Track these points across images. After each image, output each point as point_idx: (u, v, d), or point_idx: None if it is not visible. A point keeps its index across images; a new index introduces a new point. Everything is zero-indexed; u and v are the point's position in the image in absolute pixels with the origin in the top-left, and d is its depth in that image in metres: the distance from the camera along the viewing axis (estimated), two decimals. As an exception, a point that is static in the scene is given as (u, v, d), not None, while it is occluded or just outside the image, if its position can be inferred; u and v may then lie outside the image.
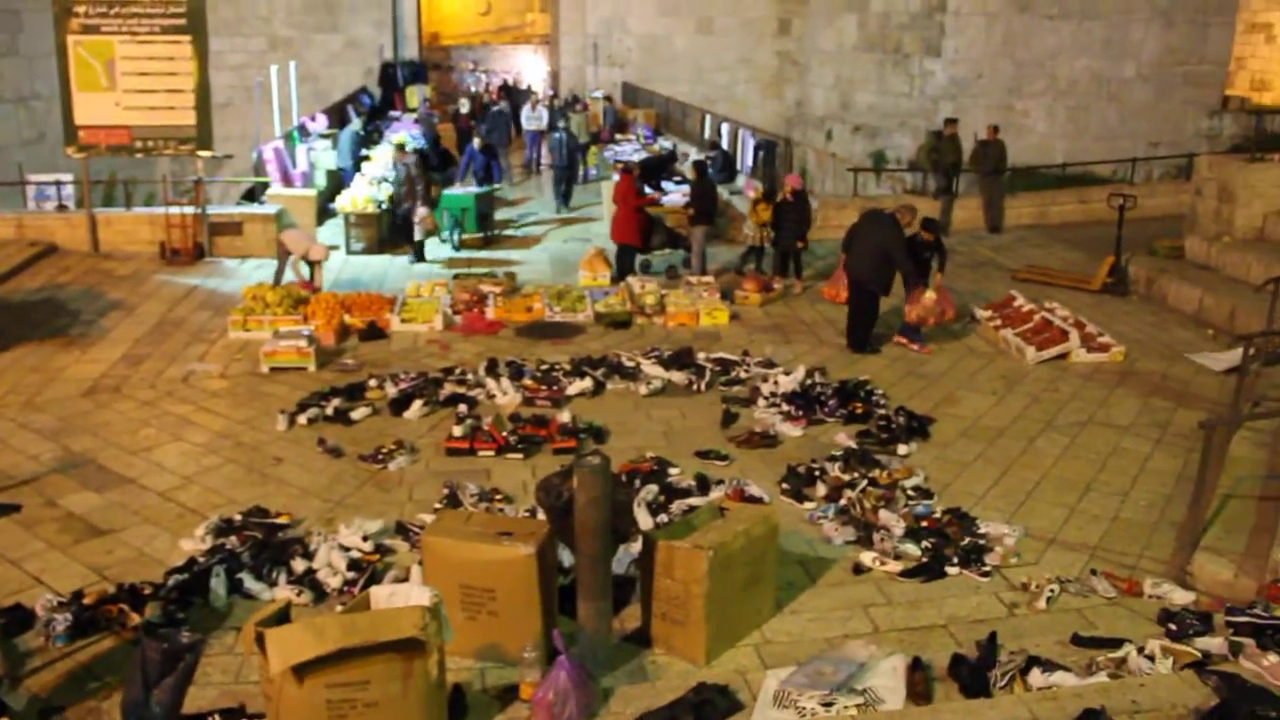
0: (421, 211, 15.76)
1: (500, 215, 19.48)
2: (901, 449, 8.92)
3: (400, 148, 17.66)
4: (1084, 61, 23.70)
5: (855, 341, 11.78)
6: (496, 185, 19.37)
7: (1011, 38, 23.34)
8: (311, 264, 13.71)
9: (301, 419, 9.54)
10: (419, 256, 15.97)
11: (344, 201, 17.05)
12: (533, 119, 25.14)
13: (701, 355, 11.20)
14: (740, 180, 18.86)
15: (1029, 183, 20.23)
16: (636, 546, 6.47)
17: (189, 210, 15.78)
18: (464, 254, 16.57)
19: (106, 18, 14.96)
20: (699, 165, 15.84)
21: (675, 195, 17.27)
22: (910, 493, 8.00)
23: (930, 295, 11.50)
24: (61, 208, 16.47)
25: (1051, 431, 9.48)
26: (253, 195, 17.94)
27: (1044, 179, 20.80)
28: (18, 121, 22.41)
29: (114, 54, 15.05)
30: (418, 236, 15.91)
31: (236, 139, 23.31)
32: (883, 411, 9.71)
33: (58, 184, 16.61)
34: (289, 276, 13.73)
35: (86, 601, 6.33)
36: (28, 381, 10.64)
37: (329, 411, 9.68)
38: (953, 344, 11.99)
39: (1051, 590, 6.55)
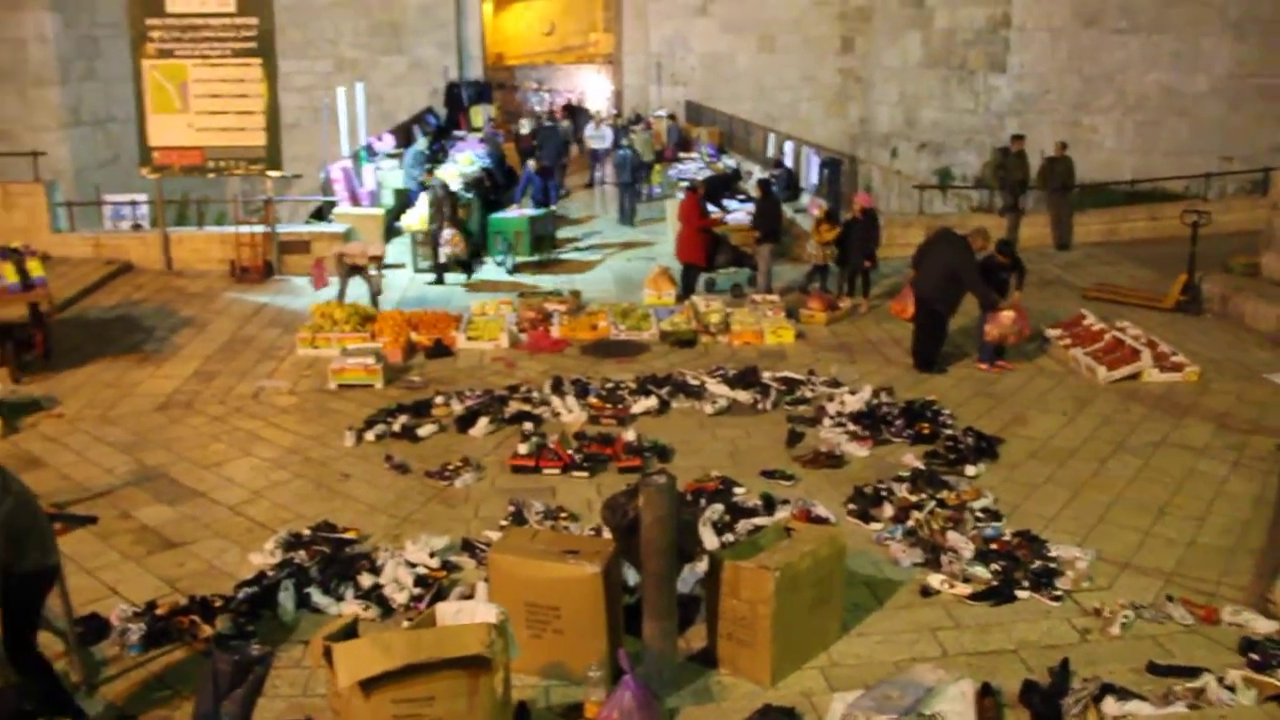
0: (447, 234, 15.76)
1: (564, 233, 19.57)
2: (970, 470, 8.79)
3: (429, 171, 17.72)
4: (1154, 75, 23.36)
5: (922, 361, 11.66)
6: (553, 207, 19.20)
7: (1078, 52, 23.07)
8: (363, 267, 13.86)
9: (369, 435, 9.64)
10: (439, 278, 15.86)
11: (410, 220, 17.20)
12: (596, 138, 25.32)
13: (767, 374, 11.14)
14: (804, 198, 18.78)
15: (1098, 199, 19.95)
16: (702, 566, 6.44)
17: (259, 229, 16.07)
18: (515, 278, 16.37)
19: (180, 42, 15.30)
20: (764, 184, 15.78)
21: (739, 214, 17.22)
22: (979, 514, 7.88)
23: (1009, 314, 11.34)
24: (136, 227, 16.83)
25: (1124, 453, 9.30)
26: (321, 214, 18.19)
27: (1113, 195, 20.49)
28: (95, 143, 22.99)
29: (187, 77, 15.39)
30: (441, 259, 15.92)
31: (304, 159, 23.61)
32: (950, 432, 9.59)
33: (133, 204, 16.99)
34: (355, 294, 13.84)
35: (159, 612, 6.45)
36: (103, 396, 10.88)
37: (396, 428, 9.77)
38: (1022, 363, 11.82)
39: (1126, 616, 6.41)
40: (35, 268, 11.89)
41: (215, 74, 15.41)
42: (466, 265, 16.22)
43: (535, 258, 17.23)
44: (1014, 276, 11.81)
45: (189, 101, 15.45)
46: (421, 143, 21.97)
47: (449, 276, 16.03)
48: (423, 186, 17.72)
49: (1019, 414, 10.31)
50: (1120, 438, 9.65)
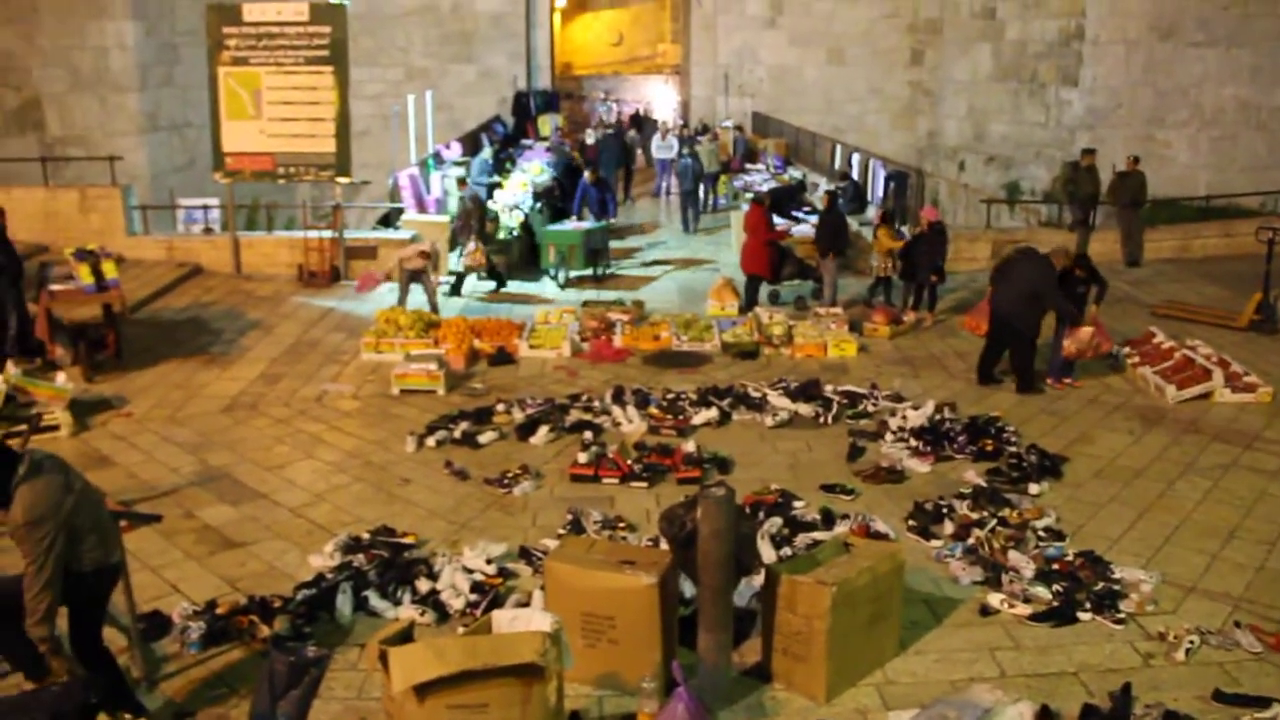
0: (470, 246, 15.72)
1: (627, 244, 19.61)
2: (1033, 488, 8.66)
3: (461, 181, 17.72)
4: (1231, 89, 22.90)
5: (984, 375, 11.53)
6: (610, 219, 18.89)
7: (1153, 66, 22.68)
8: (419, 268, 13.92)
9: (430, 441, 9.71)
10: (455, 288, 15.77)
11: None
12: (663, 148, 25.38)
13: (829, 387, 11.08)
14: (870, 211, 18.65)
15: (1170, 215, 19.58)
16: (759, 580, 6.40)
17: (326, 234, 16.29)
18: (563, 293, 16.12)
19: (255, 50, 15.58)
20: (830, 195, 15.69)
21: (804, 226, 17.12)
22: (1041, 534, 7.76)
23: (1087, 330, 11.15)
24: (208, 231, 17.17)
25: (1192, 474, 9.10)
26: (388, 221, 18.41)
27: (1186, 211, 20.10)
28: (171, 148, 23.47)
29: (261, 84, 15.66)
30: (459, 268, 15.93)
31: (373, 166, 23.99)
32: (1014, 449, 9.45)
33: (205, 208, 17.33)
34: (416, 301, 14.00)
35: (219, 611, 6.55)
36: (172, 397, 11.08)
37: (457, 435, 9.84)
38: (1089, 380, 11.63)
39: (1191, 642, 6.26)
40: (110, 269, 12.16)
41: (288, 81, 15.66)
42: (498, 276, 16.11)
43: (589, 271, 16.99)
44: (1093, 290, 11.61)
45: (262, 108, 15.72)
46: (487, 151, 22.18)
47: (475, 286, 16.04)
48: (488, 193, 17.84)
49: (1084, 432, 10.14)
50: (1189, 458, 9.45)
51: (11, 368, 10.55)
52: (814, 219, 16.79)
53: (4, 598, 5.16)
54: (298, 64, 15.61)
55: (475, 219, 15.94)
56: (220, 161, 16.01)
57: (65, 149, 21.66)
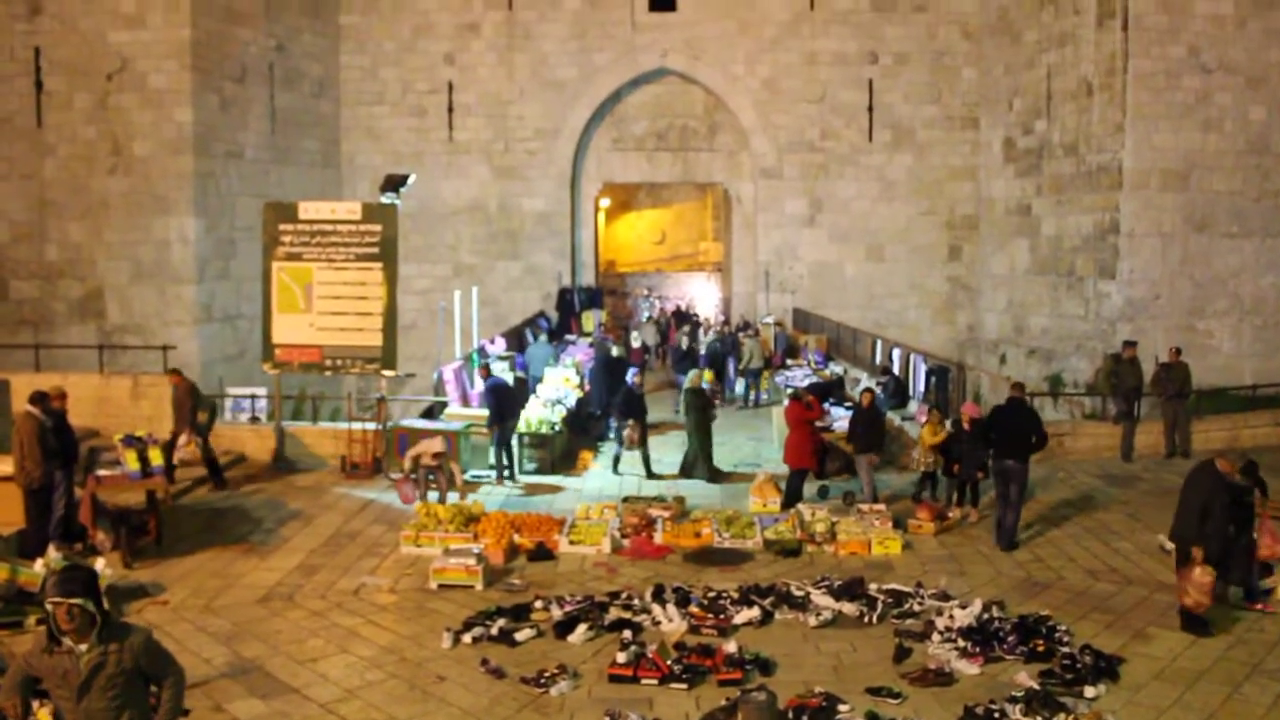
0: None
1: (669, 439, 19.61)
2: (1089, 691, 8.35)
3: (484, 368, 17.77)
4: (1270, 279, 23.11)
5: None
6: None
7: (1189, 257, 22.92)
8: (435, 465, 13.98)
9: (466, 638, 9.54)
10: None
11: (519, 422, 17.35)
12: (706, 344, 25.60)
13: (873, 586, 10.83)
14: (913, 406, 18.61)
15: (1217, 405, 19.40)
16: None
17: (370, 426, 16.43)
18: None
19: (309, 246, 16.10)
20: (870, 393, 15.61)
21: (843, 421, 17.02)
22: (1101, 742, 7.41)
23: (1203, 575, 9.68)
24: (254, 419, 17.41)
25: (1260, 676, 8.74)
26: (431, 414, 18.59)
27: (1233, 401, 19.93)
28: (223, 339, 24.12)
29: (312, 279, 16.12)
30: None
31: (419, 359, 24.43)
32: (1067, 649, 9.14)
33: (253, 398, 17.62)
34: (434, 494, 14.06)
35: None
36: (209, 586, 11.03)
37: (494, 631, 9.66)
38: (1139, 576, 11.31)
39: None
40: (155, 456, 12.35)
41: (338, 276, 16.11)
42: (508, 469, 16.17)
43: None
44: (1258, 494, 11.01)
45: (312, 302, 16.13)
46: (543, 338, 22.62)
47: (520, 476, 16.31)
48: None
49: (1139, 631, 9.80)
50: (1255, 659, 9.09)
51: (53, 551, 10.59)
52: (848, 413, 16.56)
53: None
54: (349, 260, 16.07)
55: (508, 403, 16.17)
56: (269, 353, 16.36)
57: (123, 337, 22.35)
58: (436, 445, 14.31)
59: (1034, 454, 13.02)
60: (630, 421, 16.58)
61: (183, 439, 14.88)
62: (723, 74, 29.62)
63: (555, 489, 15.78)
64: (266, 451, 16.62)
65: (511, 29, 29.26)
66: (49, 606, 5.15)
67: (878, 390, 18.03)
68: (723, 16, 29.27)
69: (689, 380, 17.67)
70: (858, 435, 14.76)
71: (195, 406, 15.24)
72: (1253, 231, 22.90)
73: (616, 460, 16.80)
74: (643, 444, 16.61)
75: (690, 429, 16.52)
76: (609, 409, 19.06)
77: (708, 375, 19.21)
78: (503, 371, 18.60)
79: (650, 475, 16.38)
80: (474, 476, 15.94)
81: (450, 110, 29.54)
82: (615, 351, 22.64)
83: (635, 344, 25.67)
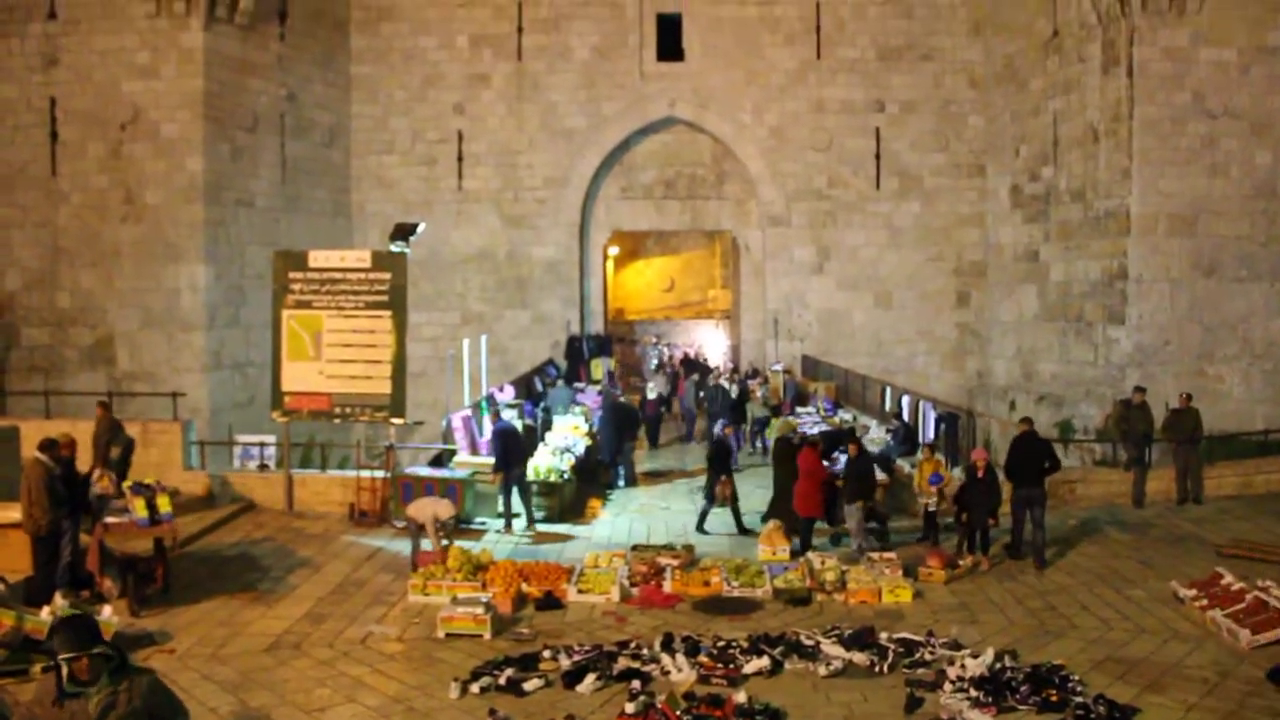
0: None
1: (676, 487, 19.52)
2: (1104, 744, 8.23)
3: (495, 412, 17.79)
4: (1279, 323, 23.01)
5: None
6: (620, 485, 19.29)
7: (1198, 302, 22.89)
8: (441, 525, 13.75)
9: (474, 687, 9.49)
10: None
11: (527, 470, 17.29)
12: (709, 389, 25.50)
13: (884, 635, 10.76)
14: (921, 453, 18.52)
15: (1228, 451, 19.30)
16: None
17: (379, 474, 16.40)
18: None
19: (318, 294, 16.16)
20: (858, 444, 15.44)
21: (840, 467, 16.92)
22: (1117, 795, 7.31)
23: None
24: (263, 467, 17.42)
25: (1275, 730, 8.63)
26: (440, 461, 18.56)
27: (1245, 446, 19.83)
28: (232, 386, 24.15)
29: (322, 327, 16.18)
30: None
31: (428, 406, 24.44)
32: (1080, 699, 9.07)
33: (261, 445, 17.63)
34: (426, 546, 13.72)
35: None
36: (215, 634, 10.99)
37: (501, 681, 9.60)
38: (1153, 624, 11.20)
39: None
40: (164, 504, 12.35)
41: (348, 324, 16.15)
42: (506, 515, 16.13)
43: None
44: None
45: (321, 350, 16.17)
46: (560, 384, 22.68)
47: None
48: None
49: (1154, 681, 9.70)
50: (1274, 709, 8.97)
51: (59, 599, 10.56)
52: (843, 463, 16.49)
53: None
54: (358, 308, 16.12)
55: (515, 447, 16.13)
56: (279, 400, 16.38)
57: (133, 384, 22.39)
58: (445, 509, 13.75)
59: (1049, 476, 14.17)
60: (723, 477, 16.16)
61: (96, 473, 14.36)
62: (730, 123, 29.78)
63: (564, 537, 15.70)
64: (275, 499, 16.60)
65: (521, 79, 29.49)
66: (63, 662, 5.13)
67: (887, 437, 17.97)
68: (730, 66, 29.48)
69: (779, 429, 17.49)
70: (847, 483, 14.76)
71: (110, 442, 15.06)
72: (1261, 276, 22.88)
73: (703, 517, 16.15)
74: (733, 499, 16.17)
75: (781, 479, 15.92)
76: (617, 457, 19.15)
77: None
78: (512, 419, 18.60)
79: (742, 531, 15.81)
80: (480, 524, 15.85)
81: (460, 159, 29.71)
82: (622, 399, 22.59)
83: (651, 395, 25.02)
